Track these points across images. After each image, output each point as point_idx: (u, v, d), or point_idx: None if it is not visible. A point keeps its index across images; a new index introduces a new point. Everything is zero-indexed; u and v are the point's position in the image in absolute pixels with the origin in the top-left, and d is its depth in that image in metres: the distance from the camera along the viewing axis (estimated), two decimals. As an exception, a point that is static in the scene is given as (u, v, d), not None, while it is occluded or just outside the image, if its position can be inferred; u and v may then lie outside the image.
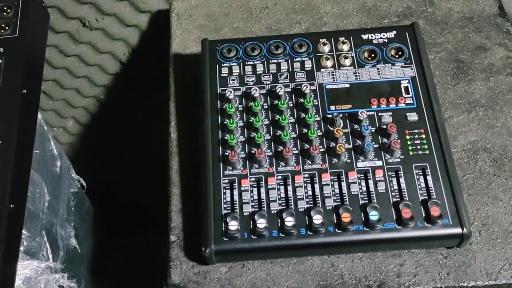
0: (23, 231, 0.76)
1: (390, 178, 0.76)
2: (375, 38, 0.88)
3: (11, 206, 0.71)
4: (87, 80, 1.29)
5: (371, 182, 0.76)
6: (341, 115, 0.81)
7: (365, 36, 0.88)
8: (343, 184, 0.76)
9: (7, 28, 0.84)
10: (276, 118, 0.81)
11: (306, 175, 0.77)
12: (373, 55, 0.86)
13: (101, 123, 1.41)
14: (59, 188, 0.94)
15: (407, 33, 0.88)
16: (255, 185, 0.76)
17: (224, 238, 0.73)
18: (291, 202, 0.75)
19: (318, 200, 0.75)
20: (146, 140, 1.42)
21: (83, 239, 1.04)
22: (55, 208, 0.91)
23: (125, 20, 1.14)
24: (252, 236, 0.73)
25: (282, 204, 0.75)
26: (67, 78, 1.28)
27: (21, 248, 0.75)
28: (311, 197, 0.75)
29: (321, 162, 0.78)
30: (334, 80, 0.84)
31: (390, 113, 0.81)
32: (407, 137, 0.79)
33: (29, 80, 0.81)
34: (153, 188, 1.32)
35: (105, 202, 1.42)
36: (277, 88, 0.82)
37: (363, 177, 0.76)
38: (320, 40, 0.87)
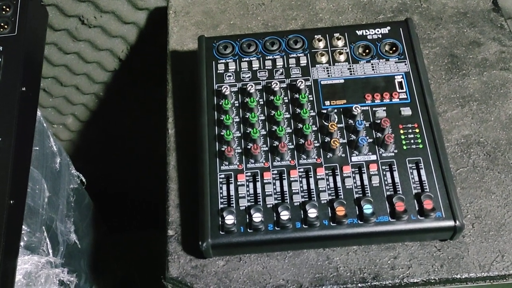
0: (23, 226, 0.77)
1: (384, 172, 0.77)
2: (370, 34, 0.88)
3: (11, 202, 0.72)
4: (86, 77, 1.30)
5: (365, 176, 0.77)
6: (335, 110, 0.82)
7: (359, 32, 0.89)
8: (338, 178, 0.77)
9: (6, 27, 0.85)
10: (272, 114, 0.82)
11: (301, 170, 0.78)
12: (367, 50, 0.87)
13: (101, 119, 1.42)
14: (58, 184, 0.95)
15: (401, 29, 0.88)
16: (251, 180, 0.77)
17: (220, 232, 0.74)
18: (286, 196, 0.76)
19: (313, 194, 0.76)
20: (145, 135, 1.43)
21: (82, 234, 1.05)
22: (55, 204, 0.92)
23: (123, 17, 1.15)
24: (248, 230, 0.74)
25: (278, 198, 0.76)
26: (66, 75, 1.29)
27: (22, 243, 0.76)
28: (306, 191, 0.76)
29: (316, 157, 0.79)
30: (329, 76, 0.85)
31: (384, 108, 0.82)
32: (401, 131, 0.80)
33: (28, 78, 0.82)
34: (152, 184, 1.33)
35: (105, 198, 1.43)
36: (272, 84, 0.83)
37: (357, 171, 0.77)
38: (315, 36, 0.88)
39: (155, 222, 1.50)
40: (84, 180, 1.10)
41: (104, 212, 1.36)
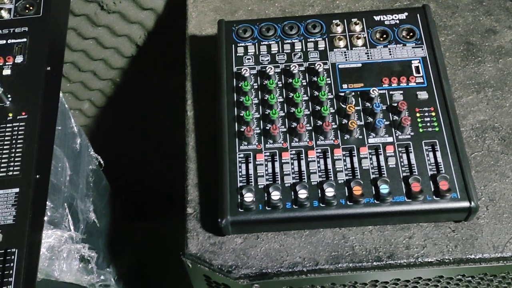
0: (47, 202, 0.79)
1: (400, 154, 0.78)
2: (387, 20, 0.90)
3: (37, 176, 0.74)
4: (103, 62, 1.32)
5: (381, 157, 0.78)
6: (353, 93, 0.83)
7: (377, 18, 0.90)
8: (355, 159, 0.78)
9: (31, 8, 0.88)
10: (290, 96, 0.84)
11: (319, 150, 0.79)
12: (385, 35, 0.88)
13: (117, 105, 1.43)
14: (79, 164, 0.97)
15: (418, 15, 0.90)
16: (270, 159, 0.79)
17: (239, 210, 0.76)
18: (304, 176, 0.78)
19: (331, 174, 0.77)
20: (161, 124, 1.45)
21: (101, 214, 1.07)
22: (76, 182, 0.94)
23: (142, 3, 1.17)
24: (266, 207, 0.76)
25: (296, 177, 0.78)
26: (84, 61, 1.30)
27: (45, 218, 0.78)
28: (323, 171, 0.78)
29: (333, 138, 0.80)
30: (346, 60, 0.87)
31: (401, 92, 0.83)
32: (417, 114, 0.81)
33: (52, 57, 0.84)
34: (168, 171, 1.35)
35: (120, 184, 1.45)
36: (291, 66, 0.85)
37: (374, 153, 0.79)
38: (333, 21, 0.90)
39: (170, 209, 1.51)
40: (102, 162, 1.12)
41: (120, 197, 1.38)
